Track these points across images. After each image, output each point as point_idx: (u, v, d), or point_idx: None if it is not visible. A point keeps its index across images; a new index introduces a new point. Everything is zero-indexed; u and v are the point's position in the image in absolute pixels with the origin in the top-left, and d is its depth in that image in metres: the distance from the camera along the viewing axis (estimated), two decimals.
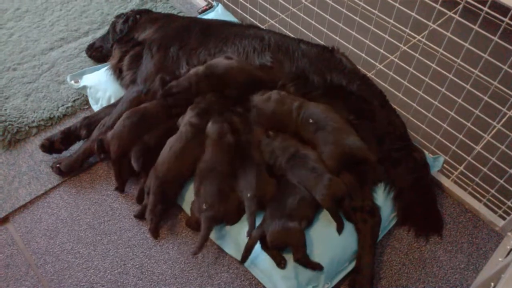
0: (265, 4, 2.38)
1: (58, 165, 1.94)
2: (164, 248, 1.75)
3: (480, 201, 1.88)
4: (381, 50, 1.96)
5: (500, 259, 1.72)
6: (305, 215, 1.63)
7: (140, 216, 1.80)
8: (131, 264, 1.71)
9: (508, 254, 1.73)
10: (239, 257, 1.62)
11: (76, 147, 1.99)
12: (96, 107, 2.18)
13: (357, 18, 1.97)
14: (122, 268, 1.70)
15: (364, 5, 1.92)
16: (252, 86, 1.90)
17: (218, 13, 2.63)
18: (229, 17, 2.60)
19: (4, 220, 1.83)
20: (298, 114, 1.80)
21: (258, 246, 1.60)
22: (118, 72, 2.15)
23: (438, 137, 1.90)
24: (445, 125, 1.84)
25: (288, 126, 1.82)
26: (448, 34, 1.65)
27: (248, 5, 2.52)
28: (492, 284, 1.44)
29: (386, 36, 1.90)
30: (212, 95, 1.90)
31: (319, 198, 1.63)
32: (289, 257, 1.58)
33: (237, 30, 2.07)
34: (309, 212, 1.65)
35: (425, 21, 1.74)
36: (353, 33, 2.03)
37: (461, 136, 1.81)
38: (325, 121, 1.75)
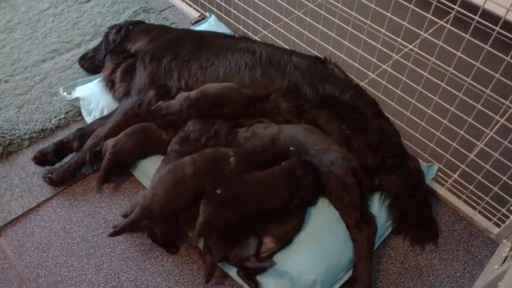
0: (258, 15, 2.39)
1: (50, 175, 1.92)
2: (159, 260, 1.73)
3: (475, 208, 1.89)
4: (374, 60, 1.98)
5: (496, 267, 1.72)
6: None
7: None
8: (125, 277, 1.69)
9: (504, 261, 1.73)
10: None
11: (69, 159, 1.97)
12: (89, 119, 2.16)
13: (350, 28, 1.98)
14: (116, 281, 1.68)
15: (356, 15, 1.93)
16: (246, 104, 1.88)
17: (211, 24, 2.63)
18: (222, 28, 2.60)
19: None
20: (279, 141, 1.75)
21: None
22: (110, 84, 2.14)
23: (432, 145, 1.91)
24: (438, 133, 1.85)
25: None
26: (440, 43, 1.66)
27: (241, 15, 2.53)
28: None
29: (378, 46, 1.91)
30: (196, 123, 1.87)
31: None
32: (284, 270, 1.57)
33: (229, 43, 2.06)
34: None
35: (416, 30, 1.76)
36: (346, 42, 2.04)
37: (454, 144, 1.82)
38: (305, 146, 1.70)
